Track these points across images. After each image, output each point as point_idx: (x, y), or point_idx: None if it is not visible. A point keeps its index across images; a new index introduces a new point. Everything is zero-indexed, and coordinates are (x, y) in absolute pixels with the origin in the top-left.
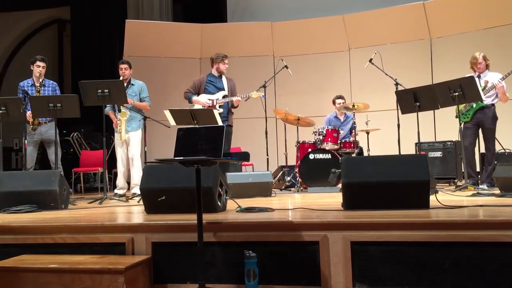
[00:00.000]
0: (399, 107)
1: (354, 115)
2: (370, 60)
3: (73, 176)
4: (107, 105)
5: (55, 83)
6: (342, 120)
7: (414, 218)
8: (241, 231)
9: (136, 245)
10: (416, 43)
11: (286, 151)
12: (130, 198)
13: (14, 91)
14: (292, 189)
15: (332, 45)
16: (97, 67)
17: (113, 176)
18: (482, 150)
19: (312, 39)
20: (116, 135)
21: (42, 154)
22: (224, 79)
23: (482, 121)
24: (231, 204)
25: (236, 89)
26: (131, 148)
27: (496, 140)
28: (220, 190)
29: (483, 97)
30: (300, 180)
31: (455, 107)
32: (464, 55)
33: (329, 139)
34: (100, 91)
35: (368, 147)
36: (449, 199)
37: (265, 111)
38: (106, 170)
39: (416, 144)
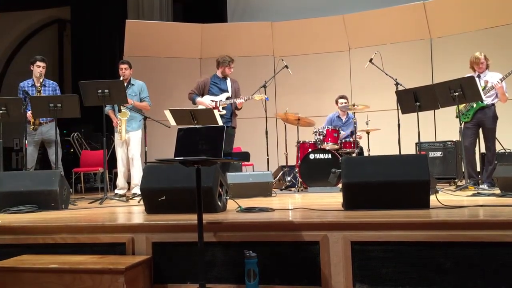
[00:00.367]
0: (399, 107)
1: (354, 115)
2: (370, 60)
3: (74, 176)
4: (107, 105)
5: (55, 83)
6: (344, 120)
7: (414, 218)
8: (241, 231)
9: (136, 245)
10: (416, 43)
11: (286, 151)
12: (131, 198)
13: (14, 91)
14: (292, 189)
15: (332, 45)
16: (97, 67)
17: (113, 176)
18: (483, 150)
19: (312, 39)
20: (116, 135)
21: (42, 154)
22: (228, 80)
23: (482, 121)
24: (231, 204)
25: (240, 91)
26: (131, 148)
27: (496, 140)
28: (221, 190)
29: (483, 97)
30: (300, 180)
31: (455, 107)
32: (464, 55)
33: (329, 139)
34: (100, 91)
35: (368, 147)
36: (449, 199)
37: (266, 111)
38: (107, 170)
39: (416, 144)
